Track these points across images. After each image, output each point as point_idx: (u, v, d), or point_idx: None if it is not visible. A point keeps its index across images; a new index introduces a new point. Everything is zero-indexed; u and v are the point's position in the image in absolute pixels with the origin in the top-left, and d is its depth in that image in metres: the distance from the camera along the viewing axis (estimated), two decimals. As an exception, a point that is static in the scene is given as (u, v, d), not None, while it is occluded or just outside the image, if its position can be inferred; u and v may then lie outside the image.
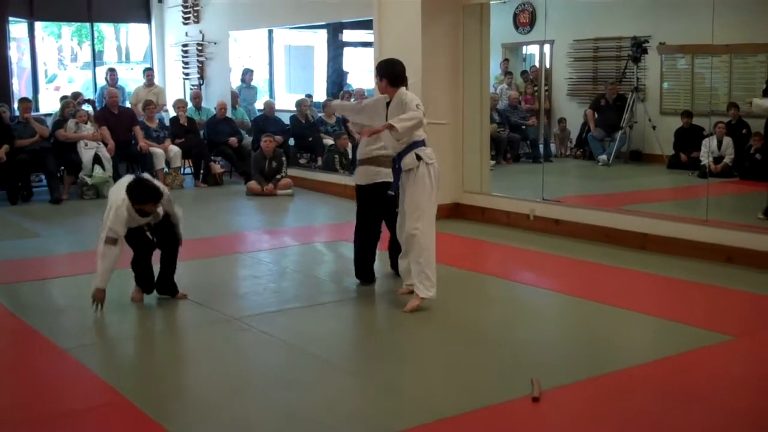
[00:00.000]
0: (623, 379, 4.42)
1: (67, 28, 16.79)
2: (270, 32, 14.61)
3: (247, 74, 14.27)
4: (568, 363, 4.72)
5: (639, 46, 12.10)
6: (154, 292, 6.06)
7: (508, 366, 4.64)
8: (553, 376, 4.38)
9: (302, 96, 13.27)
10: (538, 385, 4.16)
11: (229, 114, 12.91)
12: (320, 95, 14.34)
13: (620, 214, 7.90)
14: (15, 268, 7.19)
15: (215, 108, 12.87)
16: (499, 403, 4.08)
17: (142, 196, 5.54)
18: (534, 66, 14.94)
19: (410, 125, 5.57)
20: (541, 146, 13.08)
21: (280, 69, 15.47)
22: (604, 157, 12.60)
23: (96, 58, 15.99)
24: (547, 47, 13.42)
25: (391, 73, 5.96)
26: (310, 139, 12.52)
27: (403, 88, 5.90)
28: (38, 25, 15.20)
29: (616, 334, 5.34)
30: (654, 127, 12.14)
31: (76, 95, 12.96)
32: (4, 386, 4.54)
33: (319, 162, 12.17)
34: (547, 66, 13.97)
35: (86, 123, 11.36)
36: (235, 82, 14.14)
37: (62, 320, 5.78)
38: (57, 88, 16.02)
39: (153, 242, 5.97)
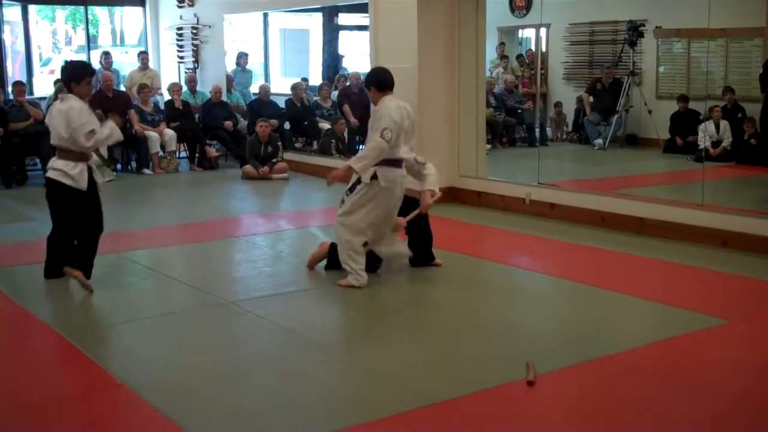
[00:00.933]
0: (618, 362, 4.42)
1: (61, 12, 16.72)
2: (265, 15, 14.55)
3: (241, 58, 14.22)
4: (563, 347, 4.73)
5: (635, 30, 12.08)
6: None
7: (503, 350, 4.65)
8: (548, 360, 4.39)
9: (298, 80, 13.23)
10: (533, 368, 4.17)
11: (224, 98, 12.86)
12: (316, 79, 14.30)
13: (616, 198, 7.90)
14: (10, 251, 7.18)
15: (210, 92, 12.82)
16: (494, 386, 4.08)
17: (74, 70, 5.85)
18: (530, 50, 14.90)
19: (367, 163, 5.68)
20: (537, 130, 13.07)
21: (275, 53, 15.42)
22: (600, 141, 12.60)
23: (90, 41, 15.90)
24: (543, 31, 13.38)
25: (376, 81, 6.06)
26: (306, 123, 12.49)
27: (386, 98, 5.98)
28: (32, 9, 15.10)
29: (611, 318, 5.34)
30: (650, 111, 12.13)
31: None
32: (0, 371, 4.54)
33: (315, 146, 12.14)
34: (543, 50, 13.94)
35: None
36: (230, 66, 14.09)
37: (57, 304, 5.78)
38: (51, 72, 15.96)
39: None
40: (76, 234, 5.99)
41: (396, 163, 5.89)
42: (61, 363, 4.61)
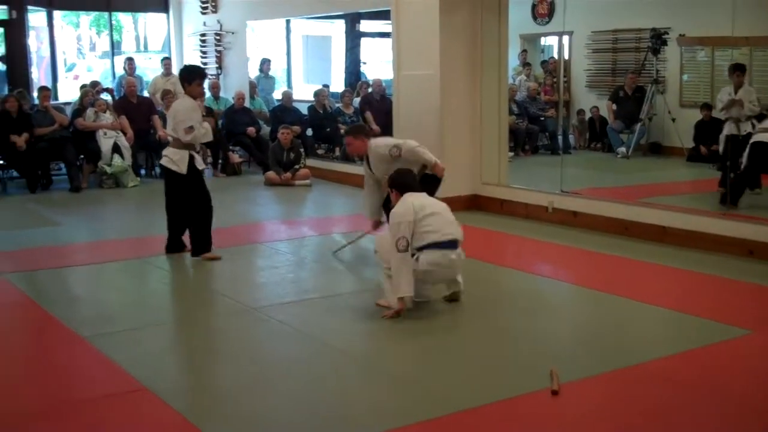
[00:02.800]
0: (641, 372, 4.40)
1: (86, 17, 16.85)
2: (288, 22, 14.61)
3: (264, 64, 14.28)
4: (586, 356, 4.71)
5: (658, 38, 12.01)
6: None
7: (527, 358, 4.63)
8: (571, 368, 4.37)
9: (320, 86, 13.27)
10: (557, 377, 4.15)
11: (247, 104, 12.92)
12: (338, 86, 14.33)
13: (639, 207, 7.86)
14: (35, 255, 7.24)
15: (233, 98, 12.88)
16: (518, 395, 4.07)
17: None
18: (552, 57, 14.87)
19: (404, 280, 5.28)
20: (560, 138, 13.03)
21: (297, 59, 15.47)
22: (623, 149, 12.53)
23: (114, 47, 16.04)
24: (565, 38, 13.34)
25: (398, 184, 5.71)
26: (328, 129, 12.52)
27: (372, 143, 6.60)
28: (57, 14, 15.26)
29: (634, 327, 5.31)
30: (673, 120, 12.05)
31: (95, 84, 13.02)
32: (24, 374, 4.57)
33: (337, 152, 12.16)
34: (566, 57, 13.90)
35: (105, 112, 11.42)
36: (253, 72, 14.15)
37: (81, 308, 5.82)
38: (76, 77, 16.10)
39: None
40: (186, 214, 6.94)
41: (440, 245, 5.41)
42: (84, 366, 4.63)
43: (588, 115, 13.47)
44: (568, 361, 4.55)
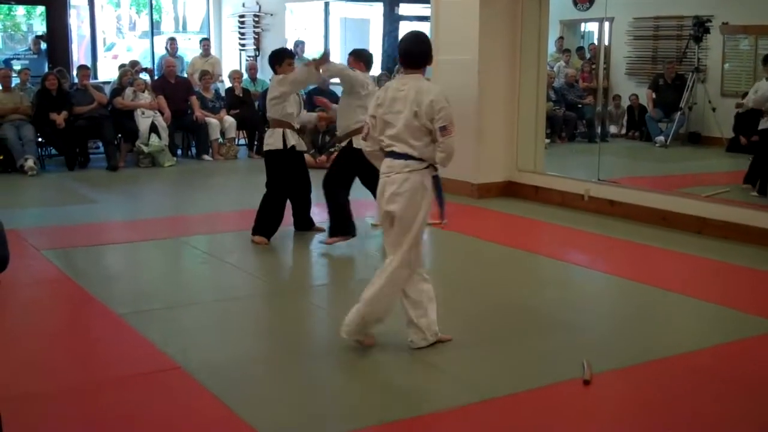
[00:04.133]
0: (675, 364, 4.35)
1: (127, -3, 16.96)
2: (326, 5, 14.59)
3: (298, 46, 14.28)
4: (620, 347, 4.66)
5: (701, 26, 11.85)
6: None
7: (559, 348, 4.60)
8: (604, 359, 4.33)
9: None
10: (590, 368, 4.12)
11: (283, 86, 12.91)
12: (375, 69, 14.28)
13: (677, 197, 7.76)
14: (72, 233, 7.32)
15: (270, 80, 12.88)
16: (549, 384, 4.05)
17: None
18: (592, 44, 14.73)
19: None
20: (599, 126, 12.91)
21: (335, 42, 15.46)
22: (661, 138, 12.40)
23: (154, 27, 16.13)
24: (606, 25, 13.20)
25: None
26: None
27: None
28: (98, -6, 15.37)
29: (669, 319, 5.26)
30: (714, 109, 11.90)
31: (134, 64, 13.10)
32: (60, 351, 4.62)
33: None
34: (606, 44, 13.76)
35: (144, 92, 11.50)
36: (290, 55, 14.15)
37: (117, 286, 5.88)
38: (115, 57, 16.22)
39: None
40: (287, 193, 7.02)
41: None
42: (119, 344, 4.67)
43: (627, 103, 13.33)
44: (602, 351, 4.52)
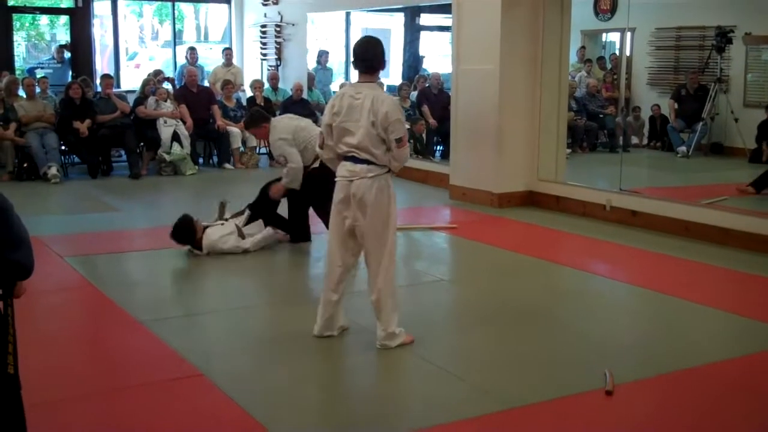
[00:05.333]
0: (698, 375, 4.32)
1: (149, 7, 17.07)
2: (347, 15, 14.63)
3: (322, 56, 14.33)
4: (641, 357, 4.64)
5: (723, 36, 11.79)
6: None
7: (580, 357, 4.58)
8: (626, 370, 4.31)
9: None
10: (612, 378, 4.10)
11: (305, 95, 12.98)
12: (396, 79, 14.33)
13: (700, 208, 7.71)
14: (94, 240, 7.37)
15: (291, 89, 12.95)
16: (571, 394, 4.03)
17: None
18: (614, 54, 14.69)
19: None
20: (621, 136, 12.86)
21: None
22: (683, 148, 12.34)
23: (176, 37, 16.23)
24: (628, 35, 13.16)
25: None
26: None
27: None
28: (121, 3, 15.49)
29: (692, 329, 5.22)
30: (736, 120, 11.83)
31: (157, 73, 13.19)
32: (82, 357, 4.66)
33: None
34: (628, 54, 13.72)
35: (166, 101, 11.57)
36: (312, 64, 14.21)
37: (138, 293, 5.91)
38: (137, 66, 16.34)
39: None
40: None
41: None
42: (141, 350, 4.69)
43: (649, 113, 13.28)
44: (624, 361, 4.50)
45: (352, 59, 4.58)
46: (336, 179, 4.60)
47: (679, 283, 6.16)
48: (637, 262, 6.92)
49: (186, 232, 6.67)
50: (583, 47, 14.32)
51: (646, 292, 5.95)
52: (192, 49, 13.82)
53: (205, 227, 6.80)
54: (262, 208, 7.18)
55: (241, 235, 6.83)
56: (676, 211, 7.71)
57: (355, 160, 4.47)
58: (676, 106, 12.72)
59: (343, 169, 4.53)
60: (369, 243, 4.55)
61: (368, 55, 4.54)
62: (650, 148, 13.25)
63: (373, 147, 4.42)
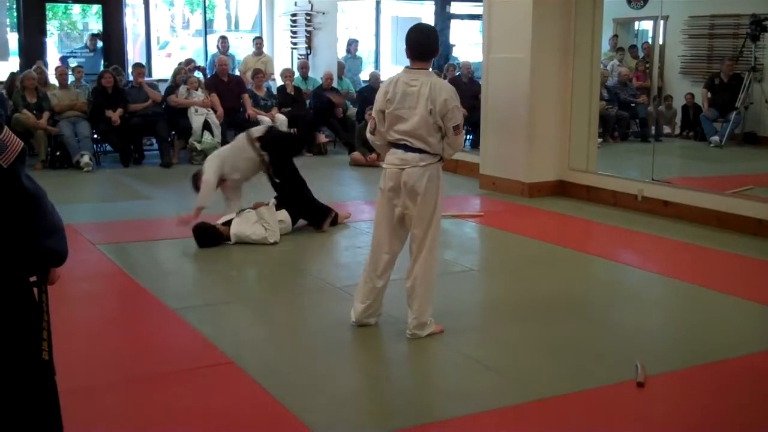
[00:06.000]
0: (730, 368, 4.28)
1: (181, -4, 17.15)
2: (378, 3, 14.62)
3: (352, 45, 14.32)
4: (673, 349, 4.60)
5: (758, 24, 11.63)
6: None
7: (612, 349, 4.55)
8: (658, 361, 4.28)
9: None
10: (643, 370, 4.07)
11: (335, 84, 12.98)
12: (426, 67, 14.27)
13: (733, 198, 7.63)
14: (126, 228, 7.43)
15: (321, 78, 12.96)
16: (602, 386, 4.01)
17: None
18: (646, 42, 14.55)
19: None
20: (652, 126, 12.75)
21: (386, 40, 15.48)
22: (716, 138, 12.20)
23: (207, 26, 16.29)
24: (661, 23, 13.04)
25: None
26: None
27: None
28: (153, -8, 15.56)
29: (725, 321, 5.16)
30: (771, 109, 11.68)
31: (189, 62, 13.25)
32: (115, 343, 4.70)
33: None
34: (660, 42, 13.58)
35: (197, 89, 11.63)
36: (342, 53, 14.20)
37: (170, 280, 5.96)
38: (168, 55, 16.42)
39: None
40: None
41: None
42: (173, 338, 4.74)
43: (682, 102, 13.14)
44: (656, 353, 4.47)
45: (406, 46, 4.54)
46: (385, 166, 4.58)
47: (712, 274, 6.10)
48: (669, 252, 6.86)
49: (210, 237, 6.72)
50: (615, 36, 14.20)
51: (677, 283, 5.90)
52: (223, 38, 13.88)
53: (229, 220, 6.85)
54: (286, 198, 7.22)
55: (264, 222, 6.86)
56: (709, 201, 7.63)
57: (407, 148, 4.45)
58: (709, 95, 12.57)
59: (393, 157, 4.51)
60: (415, 230, 4.55)
61: (424, 42, 4.50)
62: (682, 137, 13.12)
63: (428, 135, 4.39)
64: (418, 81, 4.39)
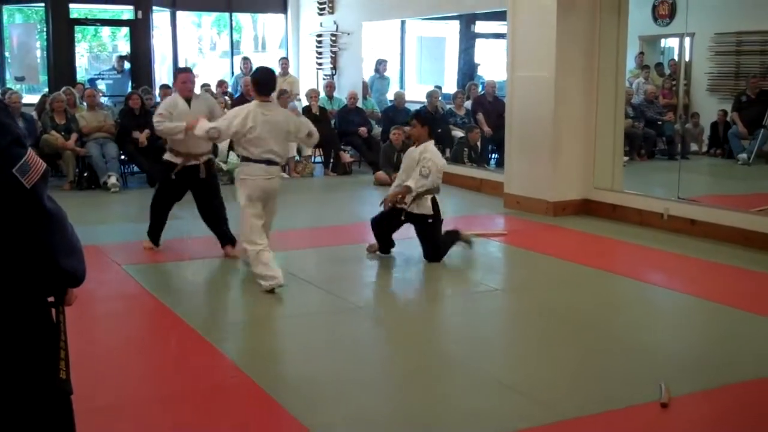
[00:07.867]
0: (755, 388, 4.23)
1: (207, 18, 17.32)
2: (403, 23, 14.66)
3: (381, 64, 14.36)
4: (698, 369, 4.54)
5: (786, 41, 11.54)
6: None
7: (635, 369, 4.50)
8: (682, 382, 4.23)
9: (432, 87, 13.25)
10: (668, 391, 4.02)
11: (359, 104, 13.03)
12: (450, 87, 14.30)
13: (761, 217, 7.54)
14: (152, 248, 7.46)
15: (346, 98, 13.01)
16: (626, 407, 3.97)
17: None
18: (672, 59, 14.47)
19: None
20: (680, 144, 12.64)
21: (411, 60, 15.51)
22: (744, 155, 12.08)
23: (233, 47, 16.43)
24: (687, 40, 12.96)
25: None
26: (439, 130, 12.48)
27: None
28: (180, 14, 15.73)
29: (751, 341, 5.09)
30: (800, 127, 11.55)
31: (221, 83, 13.35)
32: (139, 363, 4.72)
33: (447, 154, 12.12)
34: (687, 60, 13.50)
35: (223, 111, 11.69)
36: (367, 73, 14.25)
37: (194, 301, 5.99)
38: (196, 76, 16.53)
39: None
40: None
41: None
42: (197, 358, 4.75)
43: (710, 119, 13.01)
44: (680, 373, 4.41)
45: (253, 84, 6.31)
46: None
47: (739, 294, 6.03)
48: (696, 271, 6.79)
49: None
50: (641, 53, 14.13)
51: (704, 303, 5.83)
52: (246, 60, 13.99)
53: None
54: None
55: None
56: (736, 220, 7.55)
57: (270, 163, 6.12)
58: (739, 116, 12.46)
59: (261, 170, 6.12)
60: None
61: (270, 81, 6.25)
62: (710, 155, 13.00)
63: (283, 150, 6.30)
64: (272, 112, 6.15)
